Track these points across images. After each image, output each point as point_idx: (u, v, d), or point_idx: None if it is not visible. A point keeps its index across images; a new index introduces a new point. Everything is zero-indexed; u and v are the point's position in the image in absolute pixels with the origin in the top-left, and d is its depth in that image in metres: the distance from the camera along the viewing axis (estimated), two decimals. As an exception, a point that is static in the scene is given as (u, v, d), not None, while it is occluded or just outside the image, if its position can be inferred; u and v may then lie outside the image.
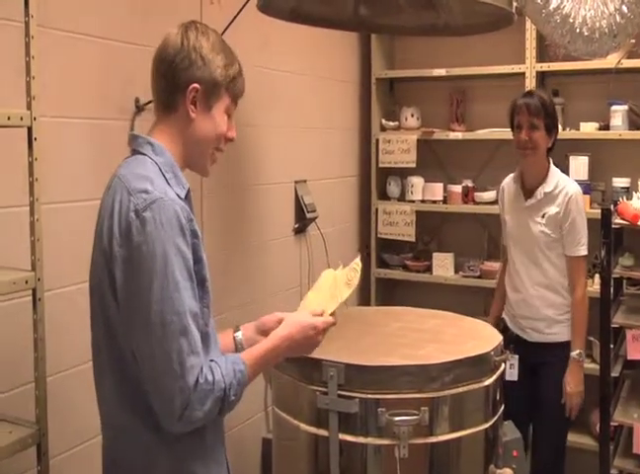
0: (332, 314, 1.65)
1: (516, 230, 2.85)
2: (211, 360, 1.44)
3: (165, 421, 1.39)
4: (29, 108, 1.68)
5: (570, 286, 2.76)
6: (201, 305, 1.45)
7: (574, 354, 2.73)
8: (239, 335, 1.71)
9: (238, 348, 1.69)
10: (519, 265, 2.83)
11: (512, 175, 2.95)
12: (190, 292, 1.39)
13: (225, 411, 1.45)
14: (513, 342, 2.84)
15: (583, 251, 2.74)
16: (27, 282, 1.68)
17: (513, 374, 2.82)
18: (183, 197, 1.47)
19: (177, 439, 1.44)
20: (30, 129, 1.68)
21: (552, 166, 2.80)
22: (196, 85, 1.48)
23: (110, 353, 1.47)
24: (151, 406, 1.40)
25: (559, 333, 2.79)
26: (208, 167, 1.58)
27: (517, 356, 2.82)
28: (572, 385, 2.73)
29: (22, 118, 1.66)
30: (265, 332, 1.68)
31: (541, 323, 2.80)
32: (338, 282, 1.71)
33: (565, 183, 2.77)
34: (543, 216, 2.74)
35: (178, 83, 1.48)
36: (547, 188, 2.74)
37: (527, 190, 2.80)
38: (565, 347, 2.76)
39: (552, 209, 2.73)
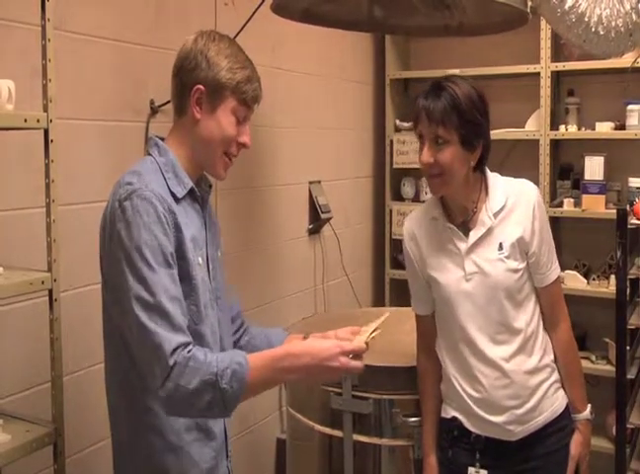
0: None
1: (459, 287, 1.87)
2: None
3: (154, 393, 1.42)
4: (45, 110, 1.69)
5: (549, 325, 1.92)
6: (189, 302, 1.49)
7: (584, 414, 1.95)
8: None
9: None
10: (475, 338, 1.85)
11: (419, 210, 2.01)
12: (168, 278, 1.42)
13: (218, 403, 1.38)
14: (479, 449, 1.88)
15: (558, 269, 1.93)
16: (43, 283, 1.70)
17: None
18: (180, 196, 1.52)
19: (154, 432, 1.51)
20: (46, 131, 1.69)
21: (489, 175, 1.92)
22: (199, 86, 1.53)
23: (108, 336, 1.55)
24: (136, 391, 1.47)
25: (550, 406, 1.89)
26: (220, 170, 1.60)
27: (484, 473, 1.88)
28: (586, 447, 1.95)
29: (38, 121, 1.67)
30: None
31: (529, 405, 1.85)
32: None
33: (517, 188, 1.91)
34: (501, 248, 1.85)
35: (185, 85, 1.55)
36: (495, 206, 1.86)
37: (462, 222, 1.90)
38: (560, 420, 1.91)
39: (512, 232, 1.85)
